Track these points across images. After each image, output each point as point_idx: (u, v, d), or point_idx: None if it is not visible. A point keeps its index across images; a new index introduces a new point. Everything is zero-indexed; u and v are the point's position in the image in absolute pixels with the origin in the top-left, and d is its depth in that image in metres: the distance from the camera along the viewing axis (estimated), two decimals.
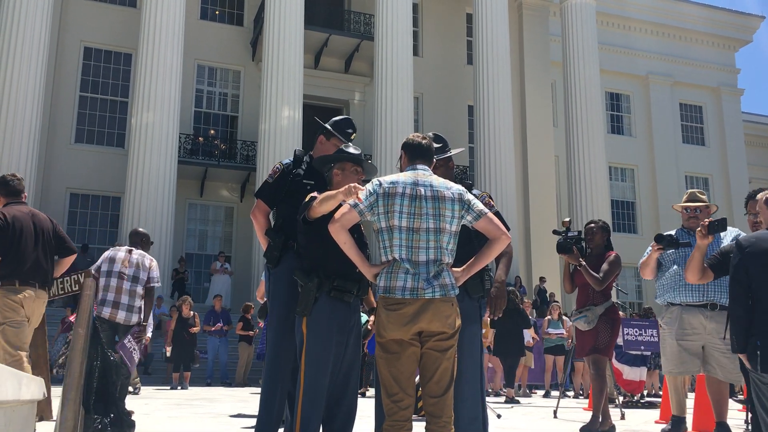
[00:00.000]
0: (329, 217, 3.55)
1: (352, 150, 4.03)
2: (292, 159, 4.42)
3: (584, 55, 23.21)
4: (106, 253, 7.37)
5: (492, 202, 4.11)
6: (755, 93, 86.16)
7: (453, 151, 4.20)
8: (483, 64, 21.83)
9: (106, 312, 7.11)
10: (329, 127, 4.40)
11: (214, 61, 23.29)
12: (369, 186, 3.45)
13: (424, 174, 3.52)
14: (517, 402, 11.34)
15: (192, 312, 14.09)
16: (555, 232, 6.47)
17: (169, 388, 13.29)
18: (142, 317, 7.26)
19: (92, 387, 3.74)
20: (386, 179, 3.47)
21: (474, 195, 3.85)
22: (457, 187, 3.53)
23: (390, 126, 20.35)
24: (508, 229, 3.81)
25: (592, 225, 6.50)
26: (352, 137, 4.43)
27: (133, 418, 4.55)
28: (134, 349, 7.14)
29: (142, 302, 7.30)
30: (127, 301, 7.19)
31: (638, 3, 30.37)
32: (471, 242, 3.93)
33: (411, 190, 3.43)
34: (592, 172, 22.46)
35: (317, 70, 23.68)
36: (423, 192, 3.43)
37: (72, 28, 21.79)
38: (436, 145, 3.95)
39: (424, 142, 3.63)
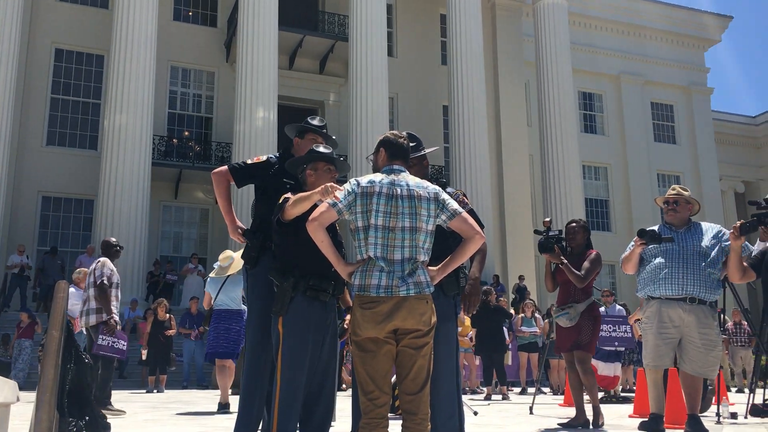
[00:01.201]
0: (305, 216, 3.57)
1: (322, 149, 4.03)
2: (278, 155, 4.44)
3: (557, 55, 23.44)
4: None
5: (466, 200, 4.15)
6: (724, 92, 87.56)
7: (426, 150, 4.24)
8: (457, 64, 21.95)
9: (81, 321, 7.89)
10: (301, 125, 4.40)
11: (187, 62, 23.14)
12: (347, 185, 3.47)
13: (401, 173, 3.56)
14: (508, 398, 11.43)
15: (168, 315, 14.00)
16: (536, 231, 6.58)
17: (144, 391, 13.19)
18: (102, 316, 7.78)
19: (65, 389, 3.72)
20: (363, 179, 3.50)
21: (448, 193, 3.89)
22: (432, 187, 3.57)
23: (365, 126, 20.39)
24: (482, 227, 3.87)
25: (574, 224, 6.62)
26: (324, 129, 4.42)
27: (108, 420, 4.54)
28: (112, 343, 7.78)
29: (99, 302, 7.83)
30: (86, 306, 7.88)
31: (610, 3, 30.75)
32: (446, 240, 3.97)
33: (388, 190, 3.46)
34: (566, 171, 22.68)
35: (292, 70, 23.65)
36: (399, 191, 3.47)
37: (43, 30, 21.53)
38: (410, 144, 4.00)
39: (404, 142, 3.67)
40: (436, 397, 3.83)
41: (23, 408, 7.55)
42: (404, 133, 3.88)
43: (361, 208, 3.43)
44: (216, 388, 14.64)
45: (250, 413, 4.11)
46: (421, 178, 3.69)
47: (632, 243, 5.79)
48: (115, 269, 8.08)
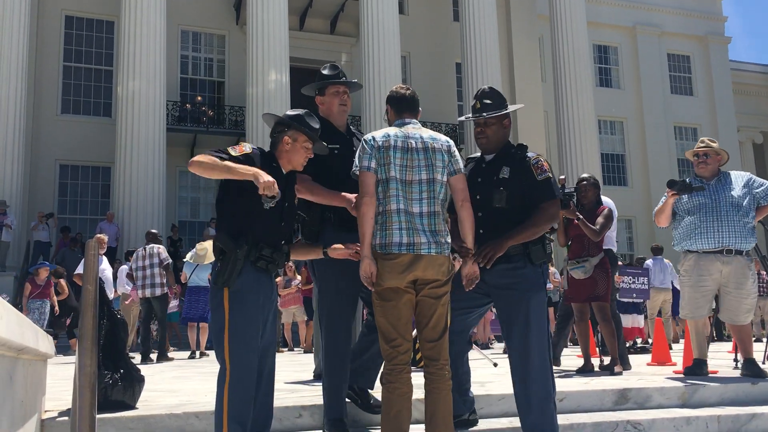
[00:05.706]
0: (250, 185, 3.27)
1: (314, 125, 3.56)
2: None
3: (570, 8, 23.07)
4: (135, 254, 11.15)
5: (546, 166, 3.88)
6: (742, 41, 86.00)
7: None
8: (469, 20, 21.70)
9: (141, 292, 10.67)
10: (318, 82, 4.20)
11: (197, 26, 23.05)
12: (364, 144, 3.53)
13: (414, 127, 3.63)
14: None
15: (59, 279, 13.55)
16: None
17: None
18: (165, 289, 10.71)
19: (99, 344, 3.86)
20: (378, 134, 3.57)
21: (528, 158, 3.84)
22: (445, 139, 3.65)
23: (378, 86, 20.27)
24: (557, 197, 3.87)
25: (584, 182, 6.79)
26: (341, 77, 4.23)
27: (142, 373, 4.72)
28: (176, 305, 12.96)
29: (163, 278, 10.69)
30: (149, 281, 10.63)
31: None
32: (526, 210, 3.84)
33: (402, 143, 3.54)
34: (582, 126, 22.52)
35: (303, 31, 23.50)
36: (414, 144, 3.55)
37: None
38: None
39: (408, 93, 3.74)
40: (530, 377, 3.65)
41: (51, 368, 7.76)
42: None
43: (381, 161, 3.50)
44: None
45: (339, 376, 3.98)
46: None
47: (665, 196, 5.93)
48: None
